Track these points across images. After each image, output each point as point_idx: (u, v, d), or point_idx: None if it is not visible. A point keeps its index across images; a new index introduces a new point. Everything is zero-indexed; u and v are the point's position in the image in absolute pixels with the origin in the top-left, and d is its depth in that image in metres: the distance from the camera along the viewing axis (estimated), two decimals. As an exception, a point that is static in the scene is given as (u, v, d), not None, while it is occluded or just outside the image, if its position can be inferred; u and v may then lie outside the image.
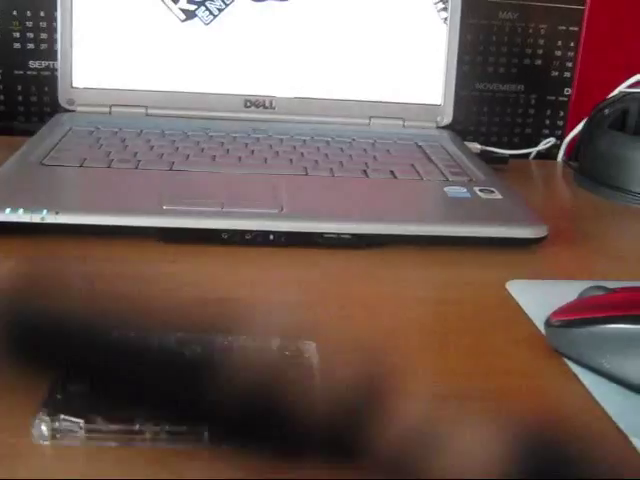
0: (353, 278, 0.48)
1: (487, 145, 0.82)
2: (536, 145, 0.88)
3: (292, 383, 0.31)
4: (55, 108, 0.77)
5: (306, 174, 0.61)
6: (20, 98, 0.85)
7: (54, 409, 0.29)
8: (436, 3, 0.77)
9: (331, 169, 0.63)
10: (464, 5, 0.77)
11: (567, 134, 0.85)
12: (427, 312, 0.44)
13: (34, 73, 0.84)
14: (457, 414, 0.32)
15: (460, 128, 0.87)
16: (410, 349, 0.40)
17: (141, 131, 0.70)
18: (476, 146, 0.80)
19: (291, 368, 0.34)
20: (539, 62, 0.89)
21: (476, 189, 0.60)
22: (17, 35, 0.83)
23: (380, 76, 0.77)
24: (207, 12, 0.75)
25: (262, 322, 0.41)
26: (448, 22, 0.77)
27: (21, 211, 0.49)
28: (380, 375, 0.35)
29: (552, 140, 0.88)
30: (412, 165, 0.65)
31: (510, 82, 0.90)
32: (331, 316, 0.43)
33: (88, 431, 0.29)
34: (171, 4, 0.74)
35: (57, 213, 0.49)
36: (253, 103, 0.76)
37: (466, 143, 0.77)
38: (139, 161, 0.61)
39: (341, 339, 0.39)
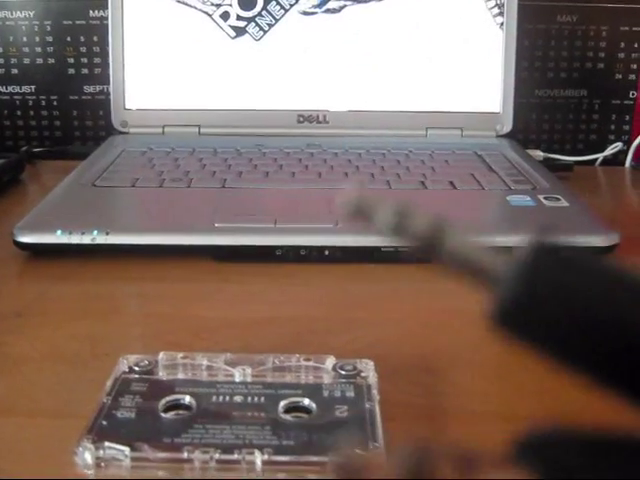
0: (412, 293, 0.46)
1: (550, 153, 0.79)
2: (602, 151, 0.84)
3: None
4: (110, 131, 0.77)
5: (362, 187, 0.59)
6: (75, 123, 0.85)
7: (99, 436, 0.28)
8: (491, 8, 0.74)
9: (388, 182, 0.61)
10: (520, 10, 0.75)
11: (634, 138, 0.82)
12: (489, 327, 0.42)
13: (89, 97, 0.85)
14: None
15: (521, 137, 0.84)
16: (473, 367, 0.37)
17: (194, 150, 0.69)
18: (538, 154, 0.77)
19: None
20: (602, 65, 0.86)
21: (540, 197, 0.57)
22: (71, 61, 0.84)
23: (435, 85, 0.75)
24: (257, 28, 0.74)
25: (317, 341, 0.39)
26: (504, 27, 0.74)
27: (72, 233, 0.48)
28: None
29: (619, 145, 0.84)
30: (472, 175, 0.63)
31: (572, 87, 0.87)
32: (389, 333, 0.41)
33: (134, 459, 0.27)
34: (221, 21, 0.74)
35: (107, 234, 0.48)
36: (306, 118, 0.75)
37: (528, 151, 0.74)
38: (191, 180, 0.60)
39: (400, 357, 0.37)
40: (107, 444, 0.28)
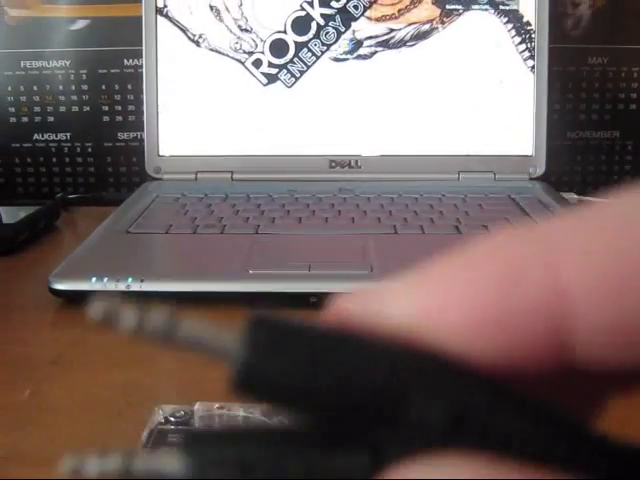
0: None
1: (584, 195, 0.78)
2: (636, 193, 0.83)
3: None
4: (144, 177, 0.78)
5: (395, 232, 0.59)
6: (110, 169, 0.86)
7: None
8: (522, 52, 0.75)
9: (421, 226, 0.60)
10: (551, 52, 0.75)
11: (670, 180, 0.81)
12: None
13: (123, 144, 0.86)
14: None
15: (554, 179, 0.83)
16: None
17: (227, 196, 0.70)
18: (572, 196, 0.76)
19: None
20: (634, 106, 0.85)
21: (577, 241, 0.56)
22: (106, 108, 0.85)
23: (467, 129, 0.75)
24: (289, 75, 0.75)
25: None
26: (535, 70, 0.74)
27: (106, 280, 0.48)
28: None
29: (654, 187, 0.83)
30: (506, 219, 0.62)
31: (604, 129, 0.86)
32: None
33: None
34: (253, 69, 0.75)
35: (142, 281, 0.48)
36: (338, 163, 0.75)
37: (562, 194, 0.74)
38: (224, 226, 0.60)
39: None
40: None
